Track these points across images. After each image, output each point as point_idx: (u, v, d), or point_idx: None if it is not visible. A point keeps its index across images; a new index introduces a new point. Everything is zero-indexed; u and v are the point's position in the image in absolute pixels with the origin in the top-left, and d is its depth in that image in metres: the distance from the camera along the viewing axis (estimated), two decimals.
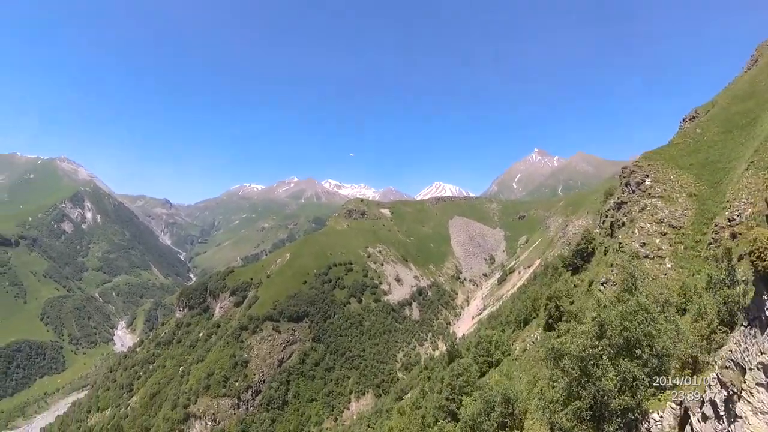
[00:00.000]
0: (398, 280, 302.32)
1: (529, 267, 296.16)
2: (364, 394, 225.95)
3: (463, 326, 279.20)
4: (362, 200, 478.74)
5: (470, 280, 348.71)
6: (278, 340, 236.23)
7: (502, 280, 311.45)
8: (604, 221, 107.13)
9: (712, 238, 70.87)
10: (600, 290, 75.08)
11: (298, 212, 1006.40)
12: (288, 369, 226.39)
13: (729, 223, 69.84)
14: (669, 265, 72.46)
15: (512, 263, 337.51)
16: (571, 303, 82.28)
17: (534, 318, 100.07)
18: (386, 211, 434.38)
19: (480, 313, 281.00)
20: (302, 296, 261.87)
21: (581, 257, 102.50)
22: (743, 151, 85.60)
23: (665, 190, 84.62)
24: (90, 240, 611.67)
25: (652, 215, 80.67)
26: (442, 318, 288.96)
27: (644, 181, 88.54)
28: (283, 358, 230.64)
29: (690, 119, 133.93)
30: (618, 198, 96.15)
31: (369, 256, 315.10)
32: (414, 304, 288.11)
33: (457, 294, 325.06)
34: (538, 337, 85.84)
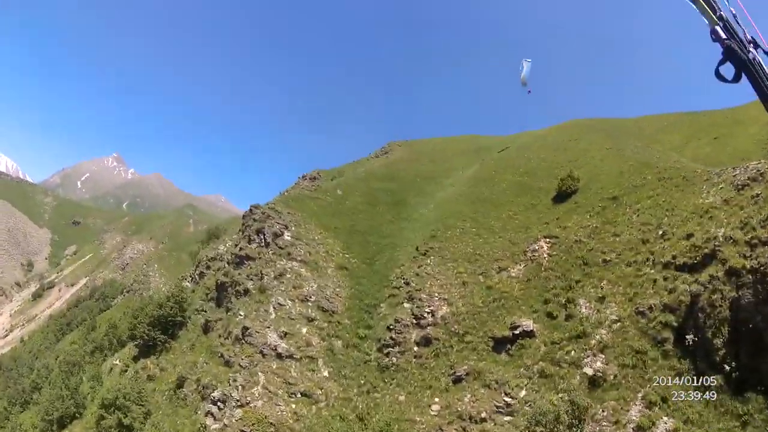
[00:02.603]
0: None
1: (72, 285, 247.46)
2: None
3: None
4: None
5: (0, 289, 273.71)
6: None
7: (38, 296, 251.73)
8: (202, 274, 73.93)
9: (392, 339, 48.57)
10: (205, 415, 42.38)
11: None
12: None
13: (416, 321, 49.11)
14: (326, 373, 46.61)
15: (54, 276, 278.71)
16: (146, 418, 47.47)
17: (77, 418, 60.76)
18: None
19: (6, 336, 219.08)
20: None
21: (163, 329, 62.69)
22: (397, 230, 70.20)
23: (310, 254, 57.76)
24: None
25: (294, 287, 52.28)
26: None
27: (283, 233, 59.35)
28: None
29: (311, 178, 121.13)
30: (241, 249, 62.37)
31: None
32: None
33: None
34: None
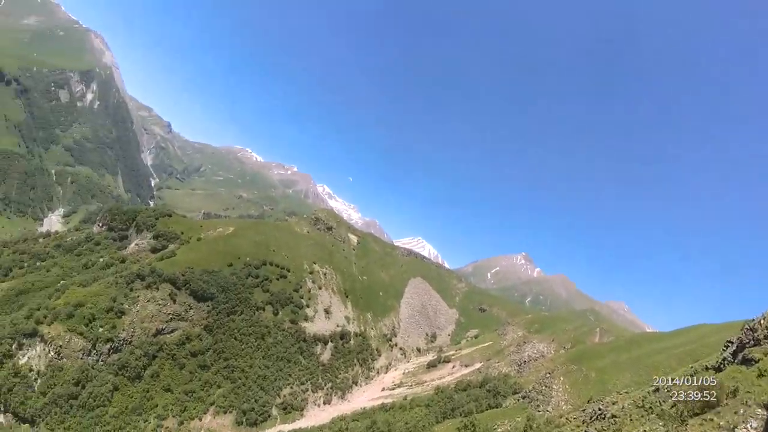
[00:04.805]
0: (327, 312, 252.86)
1: (466, 366, 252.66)
2: (225, 412, 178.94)
3: (370, 393, 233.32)
4: (334, 215, 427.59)
5: (401, 348, 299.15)
6: (168, 309, 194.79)
7: (432, 366, 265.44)
8: None
9: None
10: None
11: (280, 200, 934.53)
12: (161, 344, 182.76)
13: None
14: None
15: (451, 352, 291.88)
16: None
17: None
18: (354, 238, 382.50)
19: (393, 389, 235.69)
20: (220, 278, 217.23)
21: None
22: None
23: None
24: (76, 119, 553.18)
25: None
26: (351, 373, 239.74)
27: None
28: (163, 329, 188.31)
29: None
30: None
31: (311, 273, 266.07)
32: (330, 345, 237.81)
33: (380, 356, 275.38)
34: None
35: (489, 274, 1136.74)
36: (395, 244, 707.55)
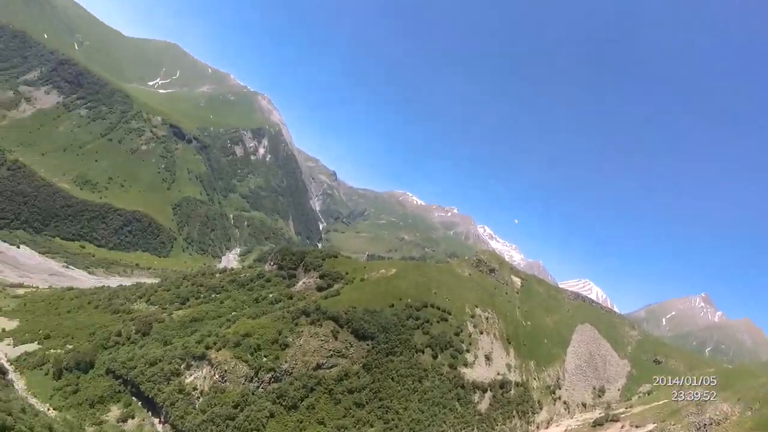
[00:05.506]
0: (488, 358, 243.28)
1: (636, 427, 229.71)
2: None
3: None
4: (497, 256, 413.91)
5: (564, 402, 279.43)
6: (329, 345, 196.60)
7: (598, 424, 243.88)
8: None
9: None
10: None
11: (441, 241, 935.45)
12: (320, 378, 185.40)
13: None
14: None
15: (621, 410, 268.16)
16: None
17: None
18: (517, 280, 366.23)
19: None
20: (381, 318, 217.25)
21: None
22: None
23: None
24: (251, 171, 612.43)
25: None
26: (509, 425, 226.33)
27: None
28: (323, 364, 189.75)
29: None
30: None
31: (473, 317, 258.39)
32: (488, 394, 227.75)
33: (541, 409, 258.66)
34: None
35: (664, 320, 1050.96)
36: (560, 286, 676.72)
